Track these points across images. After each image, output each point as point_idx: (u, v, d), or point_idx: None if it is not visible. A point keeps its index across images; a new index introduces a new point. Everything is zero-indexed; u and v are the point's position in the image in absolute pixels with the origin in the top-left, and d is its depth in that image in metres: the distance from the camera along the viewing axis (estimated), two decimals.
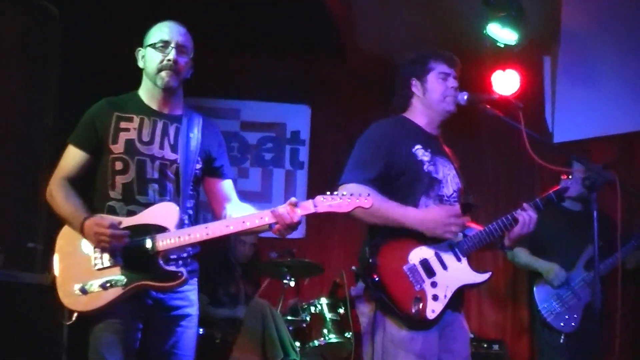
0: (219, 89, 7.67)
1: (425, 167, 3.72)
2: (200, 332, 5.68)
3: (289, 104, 8.03)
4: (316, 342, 5.88)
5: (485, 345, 6.52)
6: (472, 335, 6.34)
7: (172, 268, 3.36)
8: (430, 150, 3.77)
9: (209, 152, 3.65)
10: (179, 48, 3.53)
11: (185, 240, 3.31)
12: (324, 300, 6.07)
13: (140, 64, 3.62)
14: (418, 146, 3.75)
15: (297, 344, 5.80)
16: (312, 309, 6.05)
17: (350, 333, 5.91)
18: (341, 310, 6.02)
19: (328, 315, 5.99)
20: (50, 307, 4.69)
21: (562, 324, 5.38)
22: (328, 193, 3.29)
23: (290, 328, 5.83)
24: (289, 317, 6.00)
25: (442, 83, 3.84)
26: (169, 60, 3.49)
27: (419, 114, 3.90)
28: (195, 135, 3.58)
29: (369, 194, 3.31)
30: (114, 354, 3.29)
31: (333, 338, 5.90)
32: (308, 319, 6.02)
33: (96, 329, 3.34)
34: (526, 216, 3.65)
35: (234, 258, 6.65)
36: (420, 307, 3.45)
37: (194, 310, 3.55)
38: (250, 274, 6.77)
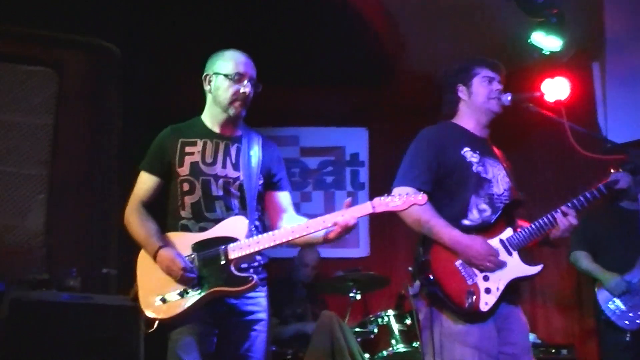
0: (278, 118, 7.86)
1: (474, 167, 3.87)
2: (273, 349, 5.90)
3: (346, 128, 8.24)
4: (385, 353, 5.97)
5: (554, 351, 6.52)
6: (539, 342, 6.43)
7: (244, 274, 3.54)
8: (478, 152, 3.92)
9: (269, 168, 3.84)
10: (252, 81, 3.75)
11: (254, 247, 3.51)
12: (390, 312, 6.17)
13: (207, 89, 3.82)
14: (466, 148, 3.91)
15: (366, 355, 5.90)
16: (380, 320, 6.15)
17: (418, 343, 5.92)
18: (408, 321, 6.11)
19: (395, 327, 6.09)
20: (126, 327, 5.17)
21: (626, 322, 5.42)
22: (385, 195, 3.47)
23: (359, 340, 5.93)
24: (357, 329, 6.12)
25: (487, 86, 4.00)
26: (244, 93, 3.71)
27: (467, 117, 4.06)
28: (256, 153, 3.78)
29: (422, 193, 3.48)
30: (190, 355, 3.48)
31: (401, 348, 5.98)
32: (376, 330, 6.13)
33: (174, 334, 3.56)
34: (565, 222, 3.74)
35: (299, 280, 6.84)
36: (474, 300, 3.58)
37: (265, 315, 3.72)
38: (315, 295, 6.94)
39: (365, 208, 3.46)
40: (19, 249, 6.14)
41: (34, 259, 6.03)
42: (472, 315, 3.61)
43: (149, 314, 3.54)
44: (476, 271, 3.68)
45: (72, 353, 5.07)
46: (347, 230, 3.48)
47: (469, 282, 3.66)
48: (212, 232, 3.60)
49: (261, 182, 3.80)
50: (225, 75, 3.74)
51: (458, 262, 3.70)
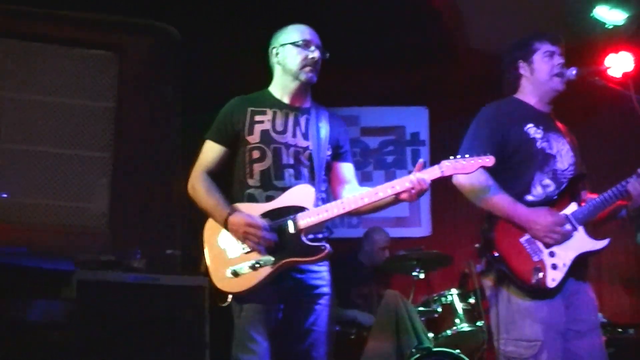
0: (338, 98, 7.82)
1: (538, 144, 3.83)
2: (336, 329, 5.97)
3: (406, 107, 8.20)
4: (449, 332, 5.98)
5: (620, 330, 6.40)
6: (605, 321, 6.32)
7: (316, 243, 3.55)
8: (542, 127, 3.87)
9: (337, 140, 3.86)
10: (319, 48, 3.79)
11: (324, 216, 3.53)
12: (454, 291, 6.15)
13: (274, 61, 3.86)
14: (530, 124, 3.86)
15: (430, 334, 5.91)
16: (443, 300, 6.14)
17: (482, 322, 5.98)
18: (472, 300, 6.10)
19: (459, 306, 6.07)
20: (191, 307, 5.27)
21: None
22: (451, 157, 3.48)
23: (423, 319, 5.94)
24: (421, 309, 6.12)
25: (549, 61, 3.93)
26: (312, 57, 3.74)
27: (529, 93, 4.00)
28: (324, 124, 3.81)
29: (489, 155, 3.48)
30: (258, 332, 3.53)
31: (465, 327, 5.97)
32: (439, 309, 6.12)
33: (243, 310, 3.59)
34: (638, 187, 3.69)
35: (368, 261, 6.86)
36: (541, 276, 3.55)
37: (329, 290, 3.75)
38: (379, 275, 6.95)
39: (434, 171, 3.47)
40: (84, 231, 6.32)
41: (99, 241, 6.20)
42: (540, 292, 3.58)
43: (222, 287, 3.56)
44: (542, 247, 3.64)
45: (138, 334, 5.20)
46: (419, 192, 3.47)
47: (535, 258, 3.63)
48: (279, 202, 3.61)
49: (329, 152, 3.80)
50: (292, 43, 3.78)
51: (523, 239, 3.67)
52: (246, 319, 3.56)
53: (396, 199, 3.57)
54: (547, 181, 3.81)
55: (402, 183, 3.47)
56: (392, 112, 8.24)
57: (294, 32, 3.82)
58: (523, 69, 4.01)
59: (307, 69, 3.75)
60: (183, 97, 6.70)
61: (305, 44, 3.77)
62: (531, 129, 3.85)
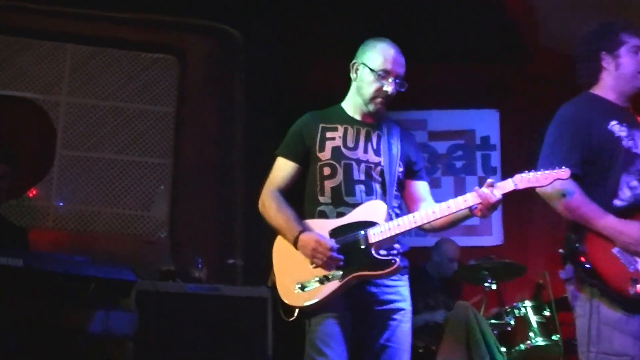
0: (405, 101, 7.76)
1: (624, 142, 3.66)
2: None
3: (476, 110, 8.05)
4: (522, 346, 5.86)
5: None
6: None
7: (385, 257, 3.54)
8: (626, 124, 3.70)
9: (409, 156, 3.85)
10: (397, 80, 3.75)
11: (395, 229, 3.52)
12: (527, 303, 6.04)
13: (352, 77, 3.87)
14: (613, 122, 3.68)
15: (503, 349, 5.79)
16: (516, 312, 6.02)
17: (558, 336, 5.85)
18: (546, 313, 5.98)
19: (533, 318, 5.95)
20: (254, 319, 5.26)
21: None
22: (526, 171, 3.43)
23: (495, 332, 5.83)
24: (493, 321, 6.01)
25: (635, 57, 3.76)
26: (386, 91, 3.73)
27: (609, 89, 3.81)
28: (396, 141, 3.81)
29: (564, 167, 3.42)
30: (330, 347, 3.51)
31: (540, 341, 5.86)
32: (512, 322, 5.99)
33: (313, 324, 3.58)
34: None
35: (436, 272, 6.77)
36: (638, 288, 3.43)
37: (407, 305, 3.71)
38: (448, 285, 6.85)
39: (507, 185, 3.44)
40: (144, 240, 6.43)
41: (160, 250, 6.26)
42: (636, 304, 3.45)
43: (289, 302, 3.57)
44: (637, 258, 3.51)
45: (199, 345, 5.21)
46: (491, 207, 3.45)
47: (630, 269, 3.49)
48: (350, 217, 3.63)
49: (401, 169, 3.80)
50: (371, 69, 3.76)
51: (615, 249, 3.53)
52: (315, 333, 3.56)
53: (469, 214, 3.55)
54: (635, 182, 3.66)
55: (474, 197, 3.45)
56: (461, 115, 8.09)
57: (378, 57, 3.78)
58: (606, 61, 3.80)
59: (378, 100, 3.76)
60: (247, 103, 6.68)
61: (384, 75, 3.74)
62: (615, 127, 3.68)
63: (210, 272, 5.69)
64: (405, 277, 3.77)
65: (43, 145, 6.64)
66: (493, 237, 7.74)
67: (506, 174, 7.27)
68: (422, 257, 6.91)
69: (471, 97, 8.00)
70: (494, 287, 6.23)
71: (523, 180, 3.43)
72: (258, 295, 5.39)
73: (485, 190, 3.42)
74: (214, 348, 5.27)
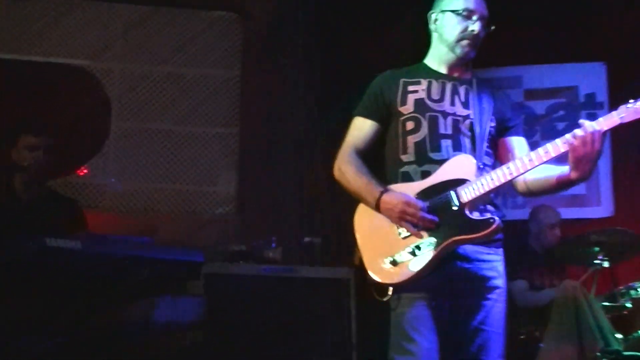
0: (496, 56, 7.68)
1: None
2: None
3: (579, 64, 7.93)
4: None
5: None
6: None
7: (482, 216, 3.50)
8: None
9: (502, 112, 3.81)
10: (483, 20, 3.74)
11: (488, 185, 3.46)
12: None
13: (432, 28, 3.88)
14: None
15: (618, 335, 5.62)
16: (633, 293, 5.86)
17: None
18: None
19: None
20: (335, 302, 5.30)
21: None
22: (631, 101, 3.27)
23: (608, 316, 5.69)
24: (605, 304, 5.87)
25: None
26: (472, 31, 3.71)
27: None
28: (487, 96, 3.78)
29: None
30: (418, 330, 3.48)
31: None
32: (629, 305, 5.85)
33: (400, 307, 3.57)
34: None
35: (538, 246, 6.70)
36: None
37: (502, 283, 3.66)
38: (553, 262, 6.75)
39: (611, 119, 3.30)
40: (210, 218, 6.50)
41: (228, 229, 6.35)
42: None
43: (381, 279, 3.54)
44: None
45: (273, 332, 5.27)
46: (593, 153, 3.32)
47: None
48: (436, 177, 3.60)
49: (493, 124, 3.75)
50: (452, 11, 3.77)
51: None
52: (403, 315, 3.54)
53: (570, 179, 3.46)
54: None
55: (575, 134, 3.33)
56: (561, 71, 7.96)
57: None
58: None
59: (465, 42, 3.74)
60: (317, 63, 6.68)
61: (468, 14, 3.73)
62: None
63: (285, 252, 5.73)
64: (501, 250, 3.73)
65: (96, 117, 6.71)
66: (602, 207, 7.61)
67: (616, 137, 7.25)
68: (520, 232, 6.84)
69: (573, 49, 7.86)
70: (605, 264, 6.08)
71: (630, 111, 3.26)
72: (339, 277, 5.41)
73: (586, 125, 3.31)
74: (290, 335, 5.32)
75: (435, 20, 3.84)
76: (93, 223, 5.58)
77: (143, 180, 6.75)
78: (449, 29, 3.76)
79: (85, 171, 6.64)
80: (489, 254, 3.64)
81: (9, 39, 6.69)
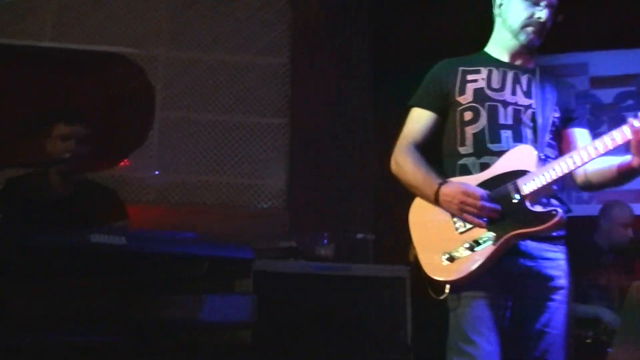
0: (560, 41, 7.60)
1: None
2: None
3: None
4: None
5: None
6: None
7: (545, 209, 3.48)
8: None
9: (567, 102, 3.79)
10: (551, 8, 3.74)
11: (551, 176, 3.44)
12: None
13: (496, 12, 3.88)
14: None
15: None
16: None
17: None
18: None
19: None
20: (390, 302, 5.30)
21: None
22: None
23: None
24: None
25: None
26: (539, 18, 3.70)
27: None
28: (550, 85, 3.76)
29: None
30: (480, 333, 3.46)
31: None
32: None
33: (459, 305, 3.55)
34: None
35: (606, 243, 6.62)
36: None
37: (566, 282, 3.64)
38: (622, 261, 6.68)
39: None
40: (259, 213, 6.54)
41: (277, 224, 6.38)
42: None
43: (437, 277, 3.53)
44: None
45: (326, 332, 5.26)
46: None
47: None
48: (496, 168, 3.59)
49: (557, 115, 3.73)
50: None
51: None
52: (463, 315, 3.52)
53: (632, 166, 3.44)
54: None
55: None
56: (630, 57, 7.87)
57: None
58: None
59: (530, 29, 3.72)
60: (370, 50, 6.66)
61: (535, 1, 3.71)
62: None
63: (337, 249, 5.71)
64: (564, 249, 3.71)
65: (139, 106, 6.74)
66: None
67: None
68: (585, 228, 6.76)
69: None
70: None
71: None
72: (395, 275, 5.40)
73: None
74: (343, 337, 5.28)
75: (500, 4, 3.83)
76: (135, 218, 5.55)
77: (188, 173, 6.77)
78: (514, 15, 3.74)
79: (127, 163, 6.64)
80: (553, 251, 3.63)
81: (48, 26, 6.74)
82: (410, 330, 5.39)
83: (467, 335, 3.49)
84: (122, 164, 6.62)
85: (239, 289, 4.75)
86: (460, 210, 3.51)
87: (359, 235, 6.03)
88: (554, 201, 3.61)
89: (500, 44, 3.85)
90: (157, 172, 6.72)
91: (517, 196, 3.47)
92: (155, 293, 4.31)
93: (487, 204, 3.46)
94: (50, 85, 6.43)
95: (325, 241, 5.66)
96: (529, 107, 3.70)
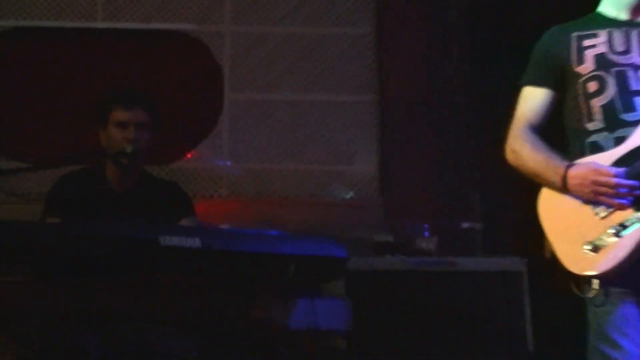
0: None
1: None
2: None
3: None
4: None
5: None
6: None
7: None
8: None
9: None
10: None
11: None
12: None
13: None
14: None
15: None
16: None
17: None
18: None
19: None
20: (505, 301, 5.22)
21: None
22: None
23: None
24: None
25: None
26: None
27: None
28: None
29: None
30: (626, 336, 3.37)
31: None
32: None
33: (605, 304, 3.42)
34: None
35: None
36: None
37: None
38: None
39: None
40: (347, 203, 6.47)
41: (369, 215, 6.28)
42: None
43: (582, 271, 3.41)
44: None
45: (431, 336, 5.23)
46: None
47: None
48: (634, 141, 3.48)
49: None
50: None
51: None
52: (606, 314, 3.41)
53: None
54: None
55: None
56: None
57: None
58: None
59: None
60: (466, 19, 6.57)
61: None
62: None
63: (440, 241, 5.67)
64: None
65: (205, 89, 6.77)
66: None
67: None
68: None
69: None
70: None
71: None
72: (509, 269, 5.30)
73: None
74: (451, 343, 5.25)
75: None
76: (207, 212, 5.62)
77: (263, 162, 6.75)
78: None
79: (194, 155, 6.59)
80: None
81: (99, 4, 6.74)
82: (531, 334, 5.26)
83: (611, 338, 3.39)
84: (189, 155, 6.58)
85: (330, 292, 4.67)
86: (595, 193, 3.42)
87: (465, 224, 5.96)
88: None
89: (616, 3, 3.75)
90: (228, 163, 6.67)
91: None
92: (235, 299, 4.23)
93: (623, 181, 3.38)
94: (105, 70, 6.51)
95: (427, 233, 5.64)
96: None
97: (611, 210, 3.41)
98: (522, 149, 3.69)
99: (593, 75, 3.61)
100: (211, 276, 4.16)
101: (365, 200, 6.49)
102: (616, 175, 3.38)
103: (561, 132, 3.77)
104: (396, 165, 6.47)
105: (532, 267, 5.20)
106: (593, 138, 3.58)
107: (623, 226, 3.35)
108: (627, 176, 3.39)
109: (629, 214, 3.36)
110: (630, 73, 3.57)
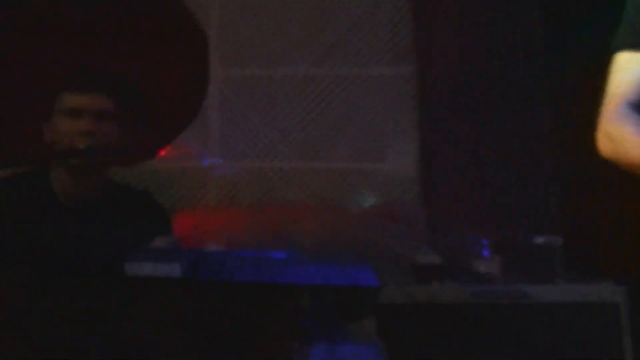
0: None
1: None
2: None
3: None
4: None
5: None
6: None
7: None
8: None
9: None
10: None
11: None
12: None
13: None
14: None
15: None
16: None
17: None
18: None
19: None
20: (598, 339, 5.16)
21: None
22: None
23: None
24: None
25: None
26: None
27: None
28: None
29: None
30: None
31: None
32: None
33: None
34: None
35: None
36: None
37: None
38: None
39: None
40: (381, 211, 6.47)
41: (408, 228, 6.12)
42: None
43: None
44: None
45: None
46: None
47: None
48: None
49: None
50: None
51: None
52: None
53: None
54: None
55: None
56: None
57: None
58: None
59: None
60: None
61: None
62: None
63: (505, 263, 5.54)
64: None
65: (187, 65, 6.43)
66: None
67: None
68: None
69: None
70: None
71: None
72: (602, 299, 5.19)
73: None
74: None
75: None
76: (189, 227, 5.76)
77: (264, 159, 6.68)
78: None
79: (170, 152, 6.32)
80: None
81: None
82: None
83: None
84: (163, 152, 6.30)
85: (358, 334, 4.30)
86: None
87: (539, 239, 5.76)
88: None
89: None
90: (220, 160, 6.60)
91: None
92: (229, 344, 3.80)
93: None
94: (56, 45, 6.21)
95: (487, 251, 5.48)
96: None
97: None
98: (622, 133, 3.52)
99: None
100: (196, 315, 3.81)
101: (402, 208, 6.38)
102: None
103: None
104: (443, 162, 6.33)
105: (633, 296, 5.08)
106: None
107: None
108: None
109: None
110: None
